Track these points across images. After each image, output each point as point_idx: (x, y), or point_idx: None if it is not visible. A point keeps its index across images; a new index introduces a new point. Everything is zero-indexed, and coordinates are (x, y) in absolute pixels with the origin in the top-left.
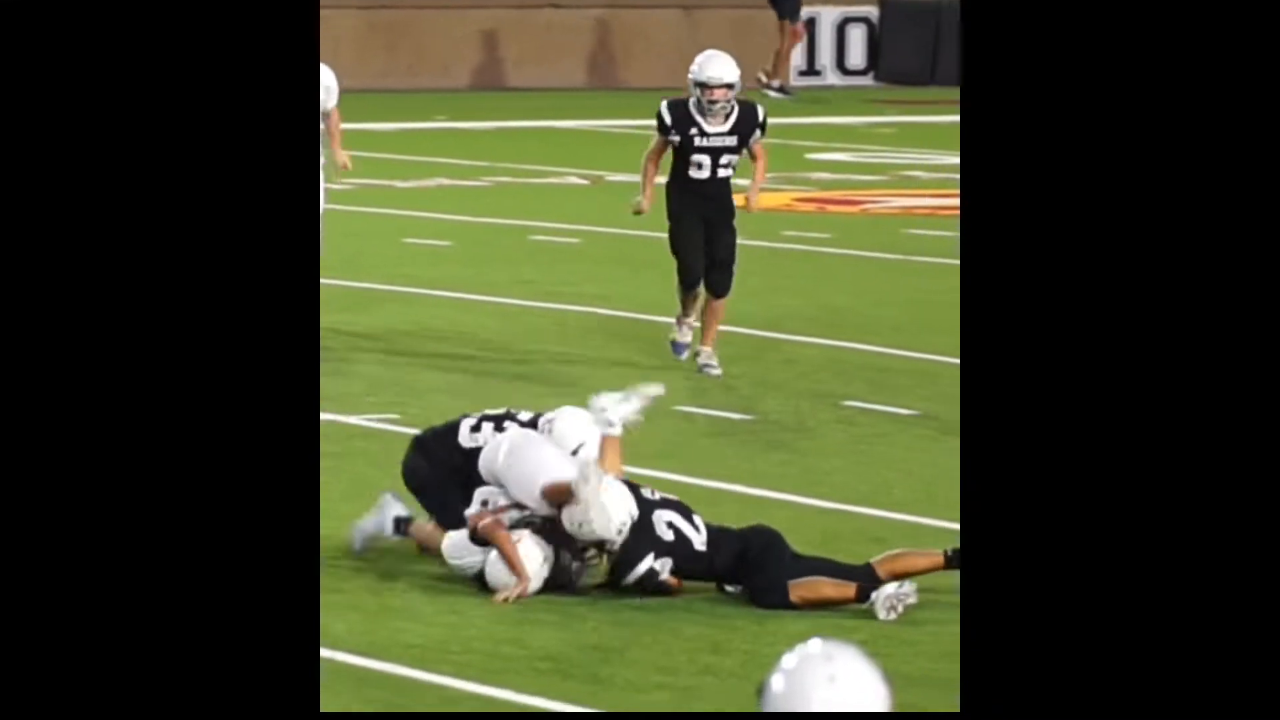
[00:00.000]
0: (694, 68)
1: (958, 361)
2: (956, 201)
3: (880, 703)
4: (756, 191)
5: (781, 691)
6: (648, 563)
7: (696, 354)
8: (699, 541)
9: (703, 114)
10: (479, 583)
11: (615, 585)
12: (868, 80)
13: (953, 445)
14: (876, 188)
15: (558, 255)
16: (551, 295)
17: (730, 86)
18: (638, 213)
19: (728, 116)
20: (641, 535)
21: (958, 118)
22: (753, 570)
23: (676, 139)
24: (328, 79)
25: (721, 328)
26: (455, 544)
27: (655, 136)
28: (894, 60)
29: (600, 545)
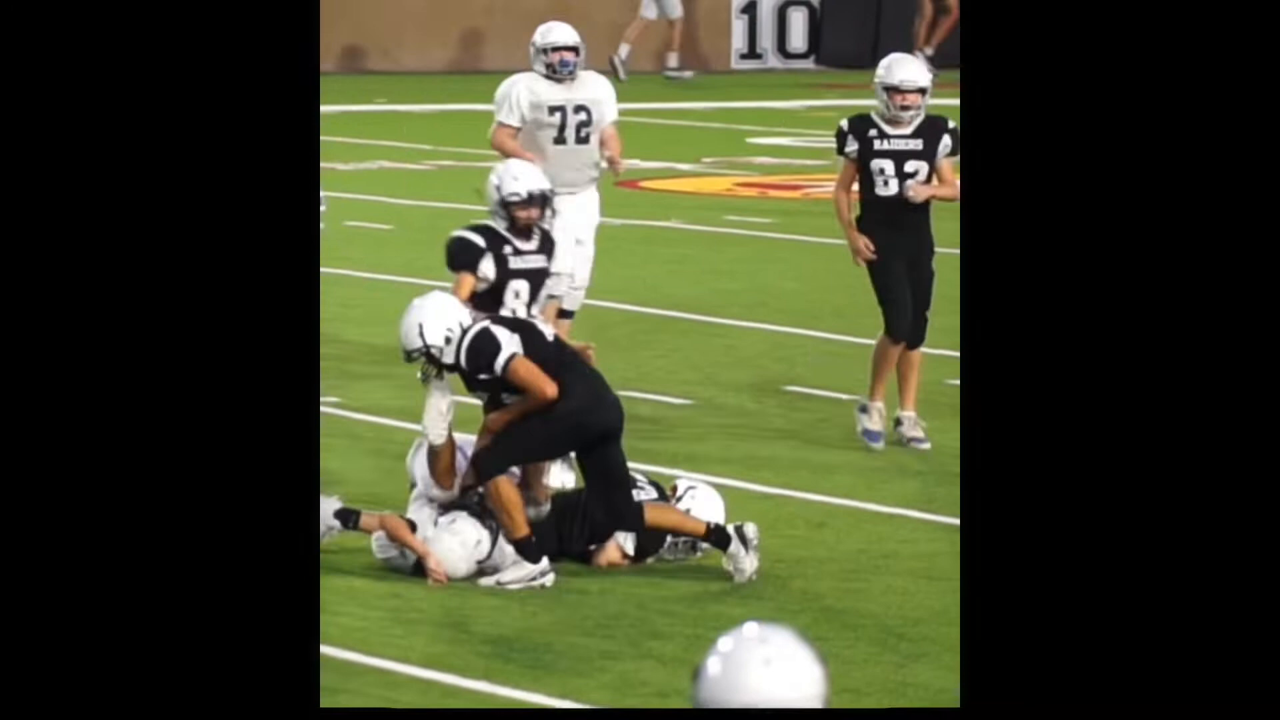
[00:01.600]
0: (880, 72)
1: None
2: None
3: (816, 686)
4: (928, 186)
5: (717, 674)
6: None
7: (897, 422)
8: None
9: (887, 121)
10: (418, 571)
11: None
12: (808, 64)
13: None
14: (818, 172)
15: None
16: None
17: (923, 91)
18: (864, 261)
19: (912, 123)
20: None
21: None
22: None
23: (855, 147)
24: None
25: (663, 312)
26: (379, 542)
27: (839, 165)
28: (835, 44)
29: None
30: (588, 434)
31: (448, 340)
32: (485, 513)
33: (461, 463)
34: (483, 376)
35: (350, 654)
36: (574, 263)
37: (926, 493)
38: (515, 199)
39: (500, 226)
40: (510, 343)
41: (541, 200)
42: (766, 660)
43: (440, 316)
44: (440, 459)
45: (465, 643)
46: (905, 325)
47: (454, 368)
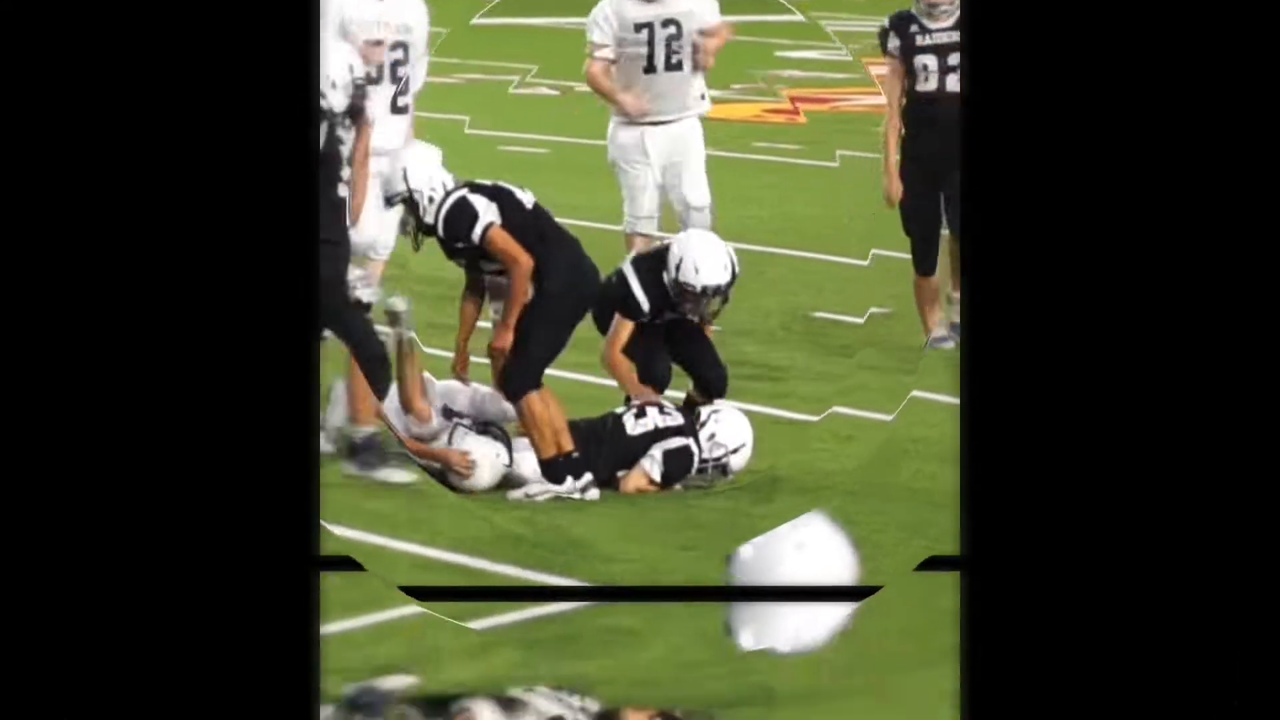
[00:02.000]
0: None
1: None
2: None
3: (848, 570)
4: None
5: (750, 558)
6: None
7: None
8: None
9: (926, 16)
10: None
11: None
12: None
13: (920, 347)
14: (848, 85)
15: (528, 166)
16: None
17: None
18: (892, 204)
19: (951, 15)
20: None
21: None
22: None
23: (897, 43)
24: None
25: None
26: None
27: (886, 71)
28: None
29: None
30: (579, 306)
31: (430, 199)
32: (486, 428)
33: (434, 396)
34: (460, 245)
35: (376, 537)
36: (686, 192)
37: (954, 381)
38: (689, 288)
39: (673, 293)
40: (488, 211)
41: (715, 292)
42: (800, 544)
43: (426, 164)
44: (405, 384)
45: (491, 529)
46: (933, 260)
47: (430, 230)
